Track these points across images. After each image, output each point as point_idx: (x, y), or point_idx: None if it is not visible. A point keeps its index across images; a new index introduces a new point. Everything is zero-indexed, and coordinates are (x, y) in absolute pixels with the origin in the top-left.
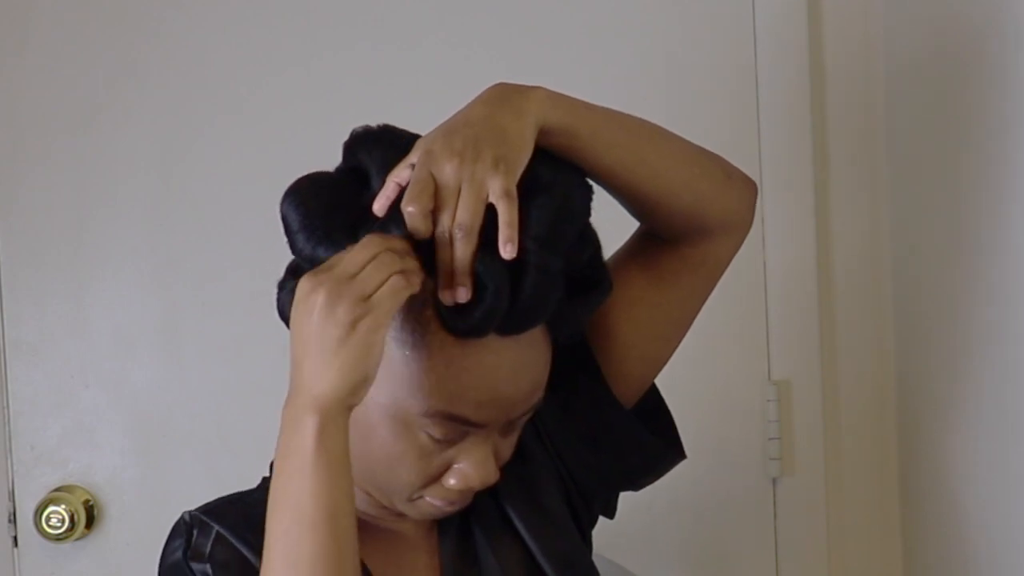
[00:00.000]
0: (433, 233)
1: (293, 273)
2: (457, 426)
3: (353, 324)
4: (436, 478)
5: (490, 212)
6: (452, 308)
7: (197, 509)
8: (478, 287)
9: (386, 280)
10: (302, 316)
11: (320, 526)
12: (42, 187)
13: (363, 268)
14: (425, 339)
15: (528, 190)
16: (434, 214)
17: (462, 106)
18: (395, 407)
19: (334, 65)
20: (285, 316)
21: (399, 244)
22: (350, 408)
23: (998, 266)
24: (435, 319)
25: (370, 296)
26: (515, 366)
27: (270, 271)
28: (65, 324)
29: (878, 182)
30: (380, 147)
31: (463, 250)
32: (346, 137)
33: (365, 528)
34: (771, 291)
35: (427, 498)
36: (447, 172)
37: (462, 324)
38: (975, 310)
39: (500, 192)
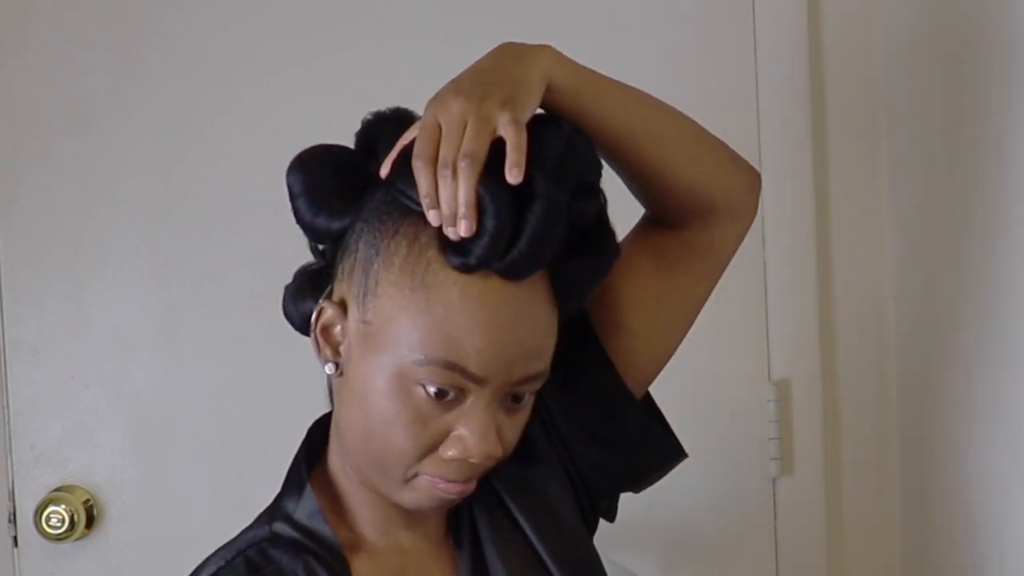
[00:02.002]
0: (435, 168)
1: (299, 273)
2: (456, 378)
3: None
4: (433, 448)
5: (496, 150)
6: (455, 241)
7: None
8: (481, 216)
9: None
10: None
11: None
12: (42, 187)
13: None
14: (426, 280)
15: (535, 128)
16: (439, 151)
17: None
18: (394, 360)
19: (334, 65)
20: (288, 314)
21: None
22: None
23: (998, 265)
24: (437, 259)
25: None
26: (516, 315)
27: (270, 271)
28: (65, 324)
29: (878, 182)
30: (391, 125)
31: (467, 179)
32: (347, 136)
33: (374, 553)
34: (771, 291)
35: (424, 476)
36: (453, 110)
37: (463, 256)
38: (975, 310)
39: (508, 120)
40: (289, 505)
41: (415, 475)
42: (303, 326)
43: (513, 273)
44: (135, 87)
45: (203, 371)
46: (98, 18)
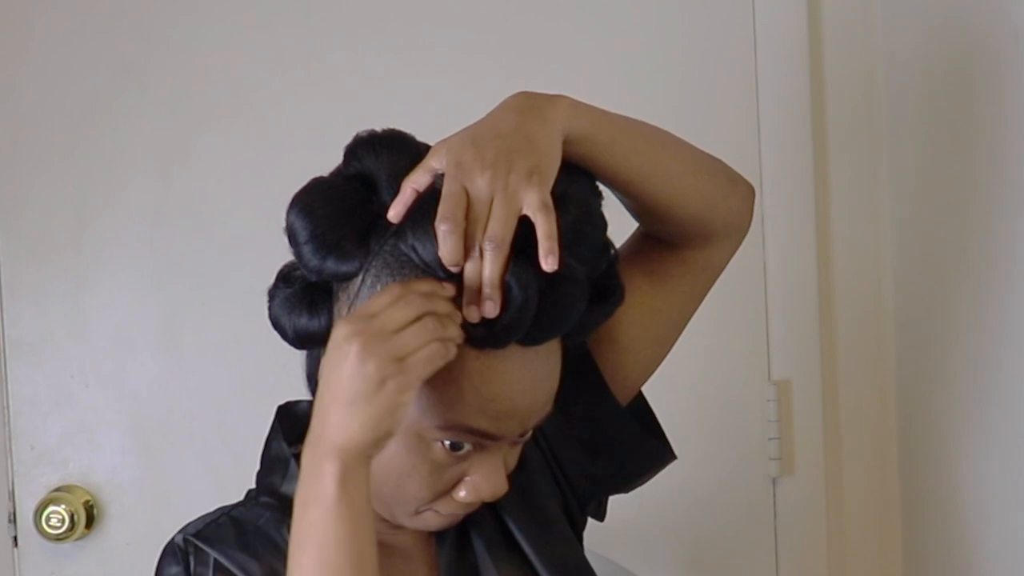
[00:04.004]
0: (462, 234)
1: (285, 280)
2: (474, 438)
3: (382, 382)
4: (446, 492)
5: (522, 231)
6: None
7: (188, 533)
8: (507, 298)
9: (425, 345)
10: (333, 363)
11: (347, 571)
12: (42, 187)
13: (404, 328)
14: None
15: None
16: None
17: (463, 108)
18: (411, 420)
19: (335, 66)
20: (279, 325)
21: (444, 305)
22: (371, 457)
23: (998, 266)
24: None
25: (405, 358)
26: (535, 378)
27: (270, 271)
28: (65, 324)
29: (878, 182)
30: (388, 152)
31: (493, 263)
32: (347, 139)
33: None
34: (771, 291)
35: (434, 511)
36: (479, 185)
37: (485, 334)
38: (975, 310)
39: (537, 204)
40: (274, 480)
41: (426, 510)
42: (295, 340)
43: (534, 343)
44: (135, 87)
45: (203, 371)
46: (98, 18)
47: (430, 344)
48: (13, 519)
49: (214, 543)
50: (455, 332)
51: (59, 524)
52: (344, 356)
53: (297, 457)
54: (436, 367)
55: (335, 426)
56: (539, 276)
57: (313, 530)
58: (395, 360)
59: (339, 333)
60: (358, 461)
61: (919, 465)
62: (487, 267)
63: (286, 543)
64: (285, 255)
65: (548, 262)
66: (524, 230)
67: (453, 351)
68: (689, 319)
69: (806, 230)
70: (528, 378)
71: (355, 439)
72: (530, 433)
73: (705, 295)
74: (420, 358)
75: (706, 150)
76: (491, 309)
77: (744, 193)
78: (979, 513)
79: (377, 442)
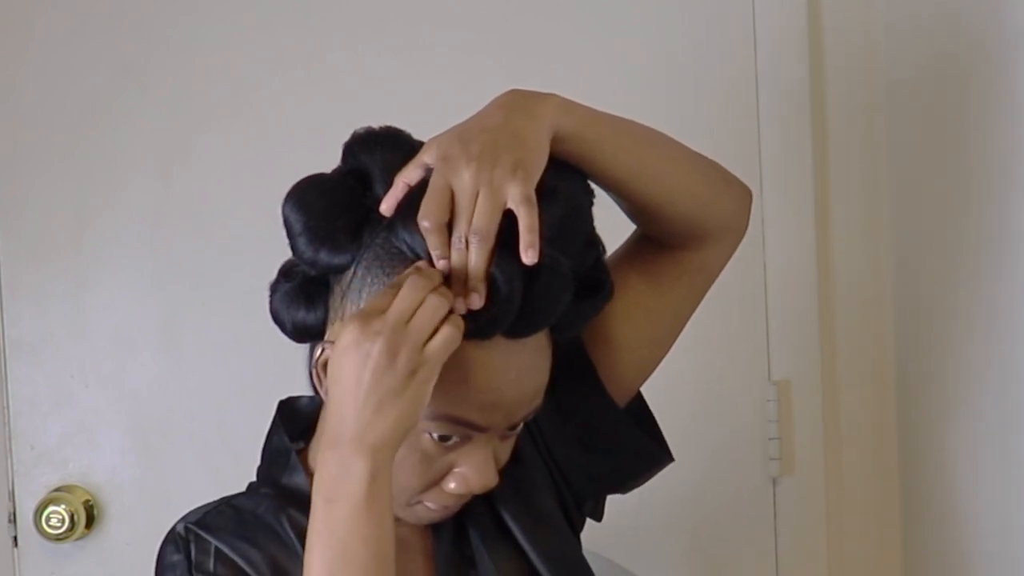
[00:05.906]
0: (444, 230)
1: (286, 275)
2: (461, 429)
3: (413, 374)
4: (436, 482)
5: (507, 224)
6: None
7: (190, 521)
8: (492, 290)
9: (438, 328)
10: (353, 363)
11: (371, 569)
12: (42, 187)
13: (414, 314)
14: None
15: (538, 194)
16: (449, 220)
17: (462, 108)
18: None
19: (335, 66)
20: (278, 319)
21: (438, 281)
22: (396, 452)
23: (998, 266)
24: None
25: (424, 347)
26: (521, 369)
27: (270, 271)
28: (65, 324)
29: (878, 182)
30: (383, 149)
31: (478, 256)
32: (345, 137)
33: None
34: (771, 291)
35: (425, 503)
36: (465, 178)
37: (471, 326)
38: (975, 310)
39: (520, 198)
40: (275, 472)
41: (417, 503)
42: (294, 334)
43: (520, 335)
44: (135, 87)
45: (203, 371)
46: (98, 18)
47: (444, 327)
48: (13, 519)
49: (215, 531)
50: (448, 301)
51: (59, 524)
52: (366, 355)
53: (298, 452)
54: (451, 351)
55: (365, 425)
56: (524, 269)
57: (340, 526)
58: (419, 350)
59: (355, 333)
60: (388, 457)
61: (919, 465)
62: (472, 259)
63: (286, 532)
64: (285, 254)
65: (528, 255)
66: (509, 224)
67: (460, 326)
68: (685, 321)
69: (806, 230)
70: (514, 369)
71: (387, 435)
72: (520, 427)
73: (701, 297)
74: (438, 344)
75: (706, 150)
76: (476, 301)
77: (739, 194)
78: (978, 513)
79: (406, 434)
